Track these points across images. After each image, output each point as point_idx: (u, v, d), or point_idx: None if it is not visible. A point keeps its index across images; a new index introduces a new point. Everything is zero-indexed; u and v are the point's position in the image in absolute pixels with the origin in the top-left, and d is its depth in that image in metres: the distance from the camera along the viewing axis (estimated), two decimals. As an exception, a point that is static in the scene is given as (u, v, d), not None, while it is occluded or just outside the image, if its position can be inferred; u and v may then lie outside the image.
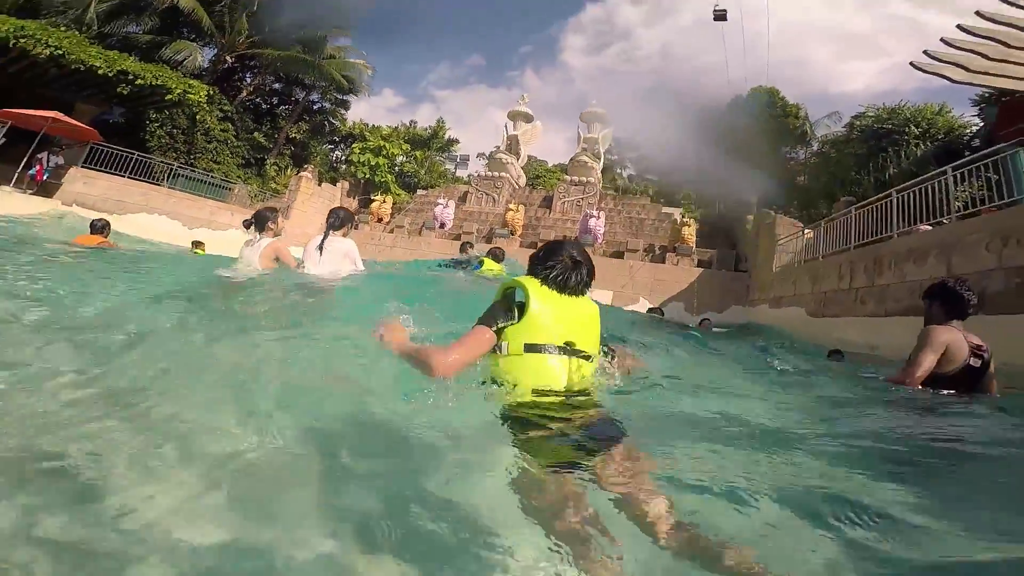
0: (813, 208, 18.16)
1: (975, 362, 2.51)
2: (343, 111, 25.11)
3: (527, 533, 1.21)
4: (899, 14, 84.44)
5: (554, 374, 1.59)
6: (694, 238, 15.03)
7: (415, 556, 1.20)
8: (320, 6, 21.35)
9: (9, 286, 2.83)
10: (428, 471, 1.50)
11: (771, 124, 20.49)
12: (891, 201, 8.76)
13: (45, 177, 14.10)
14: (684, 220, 15.54)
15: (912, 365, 2.55)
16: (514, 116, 21.47)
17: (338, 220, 4.01)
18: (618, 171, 29.74)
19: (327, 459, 1.58)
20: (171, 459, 1.48)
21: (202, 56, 19.92)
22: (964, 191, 8.27)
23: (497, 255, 5.23)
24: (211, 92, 18.00)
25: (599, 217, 15.58)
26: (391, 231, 17.58)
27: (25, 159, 13.69)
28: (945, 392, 2.50)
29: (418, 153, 23.93)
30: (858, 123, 17.03)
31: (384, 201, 18.48)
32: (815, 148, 20.18)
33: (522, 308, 1.62)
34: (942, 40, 9.94)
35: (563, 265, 1.69)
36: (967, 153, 14.89)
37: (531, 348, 1.58)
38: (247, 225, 4.12)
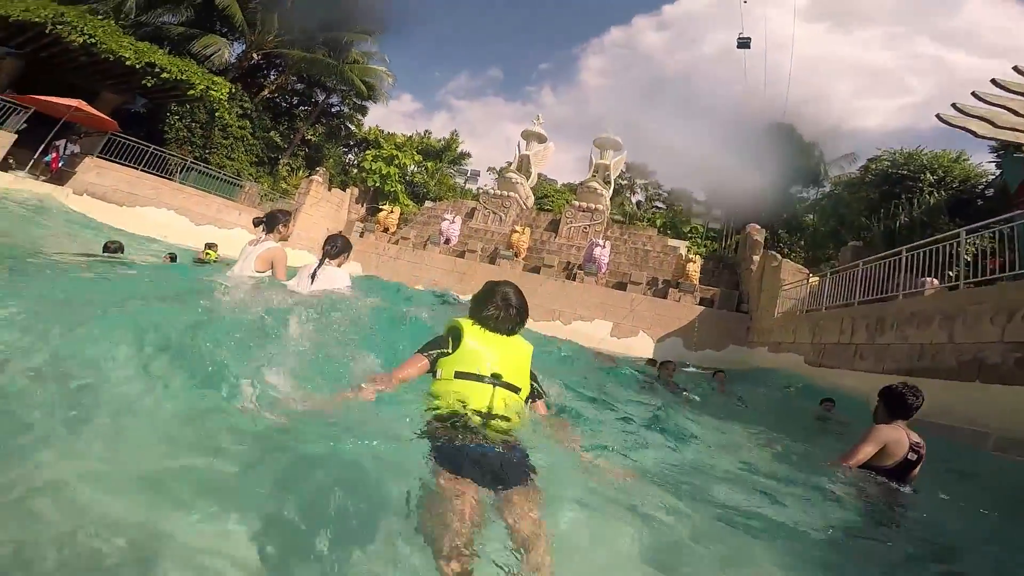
0: (820, 250, 18.00)
1: (912, 456, 2.92)
2: (360, 116, 25.37)
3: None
4: (924, 52, 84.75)
5: (477, 397, 1.81)
6: (698, 275, 14.94)
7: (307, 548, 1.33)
8: (351, 8, 21.73)
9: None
10: (351, 482, 1.61)
11: (787, 160, 20.52)
12: (900, 259, 8.65)
13: (60, 165, 14.25)
14: (689, 256, 15.46)
15: (852, 453, 2.98)
16: (528, 136, 21.58)
17: (335, 249, 3.85)
18: (627, 195, 29.80)
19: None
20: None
21: (230, 51, 20.29)
22: (974, 244, 8.12)
23: None
24: (233, 89, 18.23)
25: (604, 246, 15.54)
26: (396, 242, 17.60)
27: (43, 146, 13.85)
28: (879, 479, 2.92)
29: (429, 164, 24.07)
30: (873, 166, 16.82)
31: (392, 211, 18.53)
32: (827, 189, 20.08)
33: (457, 342, 1.90)
34: (973, 94, 9.87)
35: (495, 307, 1.98)
36: (979, 202, 14.75)
37: (460, 375, 1.84)
38: (257, 223, 4.05)
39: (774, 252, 14.28)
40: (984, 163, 14.90)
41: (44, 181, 13.65)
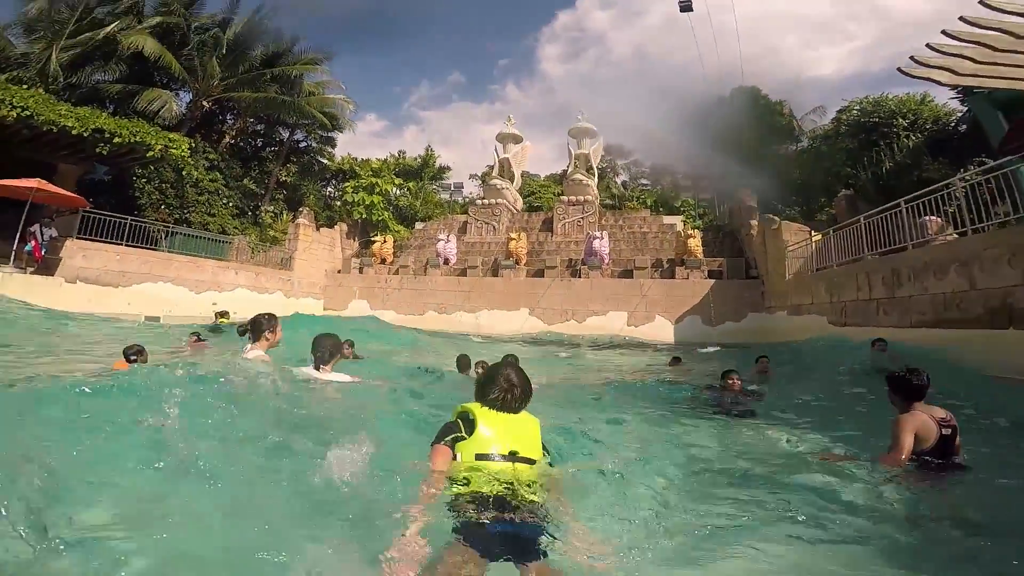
0: (813, 203, 18.44)
1: (946, 431, 3.03)
2: (330, 149, 24.92)
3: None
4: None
5: (498, 475, 1.94)
6: (700, 249, 15.15)
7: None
8: (285, 30, 21.20)
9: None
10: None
11: (758, 122, 20.82)
12: (900, 211, 8.87)
13: (43, 253, 13.81)
14: (688, 232, 15.66)
15: (895, 450, 3.04)
16: (503, 139, 21.53)
17: (326, 354, 3.62)
18: (612, 177, 29.89)
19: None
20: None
21: (178, 103, 19.48)
22: (968, 182, 8.29)
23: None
24: (193, 143, 17.63)
25: (603, 238, 15.65)
26: (396, 272, 17.50)
27: (18, 234, 13.34)
28: (932, 461, 3.03)
29: (411, 185, 23.84)
30: (844, 116, 17.41)
31: (384, 241, 18.39)
32: (804, 144, 20.53)
33: (472, 427, 2.01)
34: (928, 45, 10.12)
35: (500, 389, 2.12)
36: (955, 138, 15.24)
37: (480, 457, 1.97)
38: (241, 332, 3.81)
39: (770, 215, 14.55)
40: (948, 101, 15.46)
41: (32, 273, 13.23)
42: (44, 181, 12.93)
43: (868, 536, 2.32)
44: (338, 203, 22.05)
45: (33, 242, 13.70)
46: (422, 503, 1.86)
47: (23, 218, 13.19)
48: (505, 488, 1.89)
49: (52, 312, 11.10)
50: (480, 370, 6.48)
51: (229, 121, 22.77)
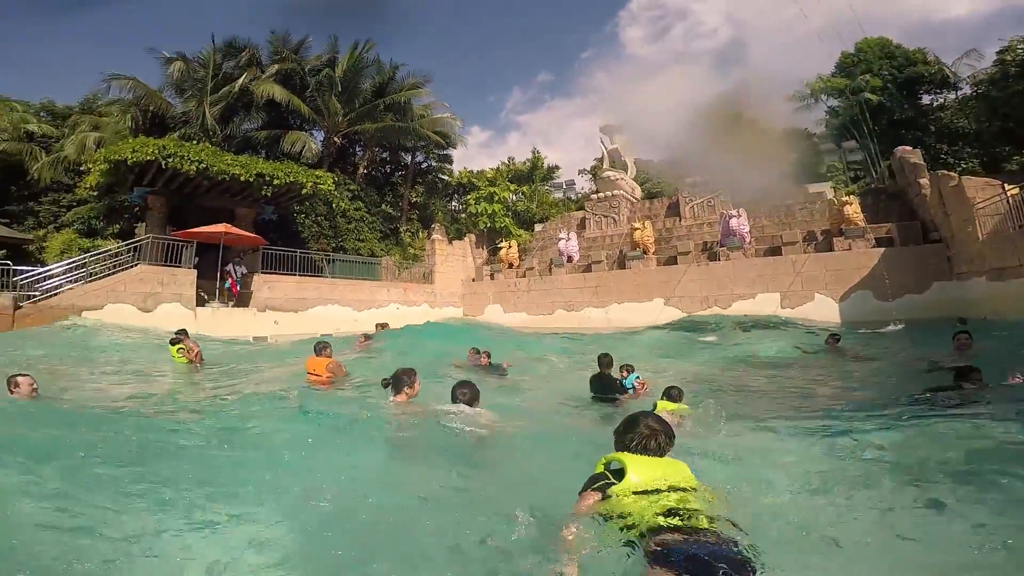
0: (993, 151, 15.75)
1: None
2: (448, 165, 26.56)
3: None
4: None
5: (667, 503, 1.84)
6: (860, 215, 13.33)
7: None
8: (383, 60, 22.73)
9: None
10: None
11: (899, 73, 18.27)
12: None
13: (239, 288, 16.67)
14: (843, 198, 13.84)
15: None
16: (607, 130, 21.16)
17: (469, 396, 3.79)
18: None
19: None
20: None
21: (315, 142, 21.97)
22: None
23: (673, 395, 4.91)
24: (336, 177, 19.78)
25: (740, 215, 14.51)
26: (523, 275, 18.05)
27: (218, 273, 16.15)
28: None
29: (525, 189, 24.50)
30: (1010, 58, 15.28)
31: (509, 246, 19.08)
32: (967, 91, 17.78)
33: (621, 473, 1.97)
34: None
35: (641, 435, 2.10)
36: None
37: (639, 494, 1.89)
38: (385, 385, 4.06)
39: (945, 172, 12.38)
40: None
41: (233, 306, 16.04)
42: (230, 225, 15.14)
43: None
44: (463, 215, 23.42)
45: (230, 280, 16.61)
46: (561, 547, 1.86)
47: (219, 259, 16.02)
48: (683, 510, 1.80)
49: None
50: (624, 373, 6.44)
51: (359, 153, 25.31)
